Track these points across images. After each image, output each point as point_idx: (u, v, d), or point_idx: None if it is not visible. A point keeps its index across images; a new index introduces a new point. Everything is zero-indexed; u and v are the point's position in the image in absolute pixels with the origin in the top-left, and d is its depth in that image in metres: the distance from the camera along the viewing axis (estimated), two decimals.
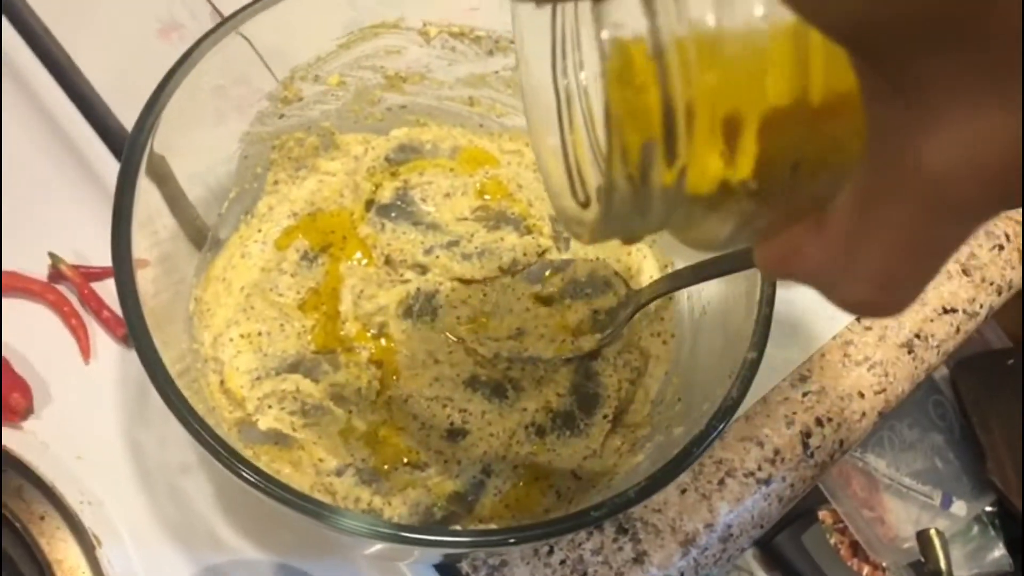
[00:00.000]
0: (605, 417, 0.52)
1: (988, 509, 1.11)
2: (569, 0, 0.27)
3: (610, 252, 0.58)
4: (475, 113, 0.61)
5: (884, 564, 1.07)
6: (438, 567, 0.53)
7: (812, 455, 0.60)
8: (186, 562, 0.52)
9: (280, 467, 0.49)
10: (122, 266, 0.42)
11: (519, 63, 0.33)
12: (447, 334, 0.54)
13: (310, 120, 0.58)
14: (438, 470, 0.50)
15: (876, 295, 0.25)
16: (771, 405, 0.61)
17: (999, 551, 1.10)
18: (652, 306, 0.54)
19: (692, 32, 0.25)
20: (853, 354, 0.64)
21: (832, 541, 1.05)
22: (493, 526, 0.49)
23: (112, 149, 0.62)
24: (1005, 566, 1.11)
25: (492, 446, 0.51)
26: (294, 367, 0.52)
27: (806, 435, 0.60)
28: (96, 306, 0.58)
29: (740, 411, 0.59)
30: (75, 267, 0.58)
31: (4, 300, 0.58)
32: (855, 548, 1.06)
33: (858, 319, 0.65)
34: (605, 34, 0.26)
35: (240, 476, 0.38)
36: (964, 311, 0.68)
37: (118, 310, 0.41)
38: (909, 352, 0.65)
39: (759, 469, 0.58)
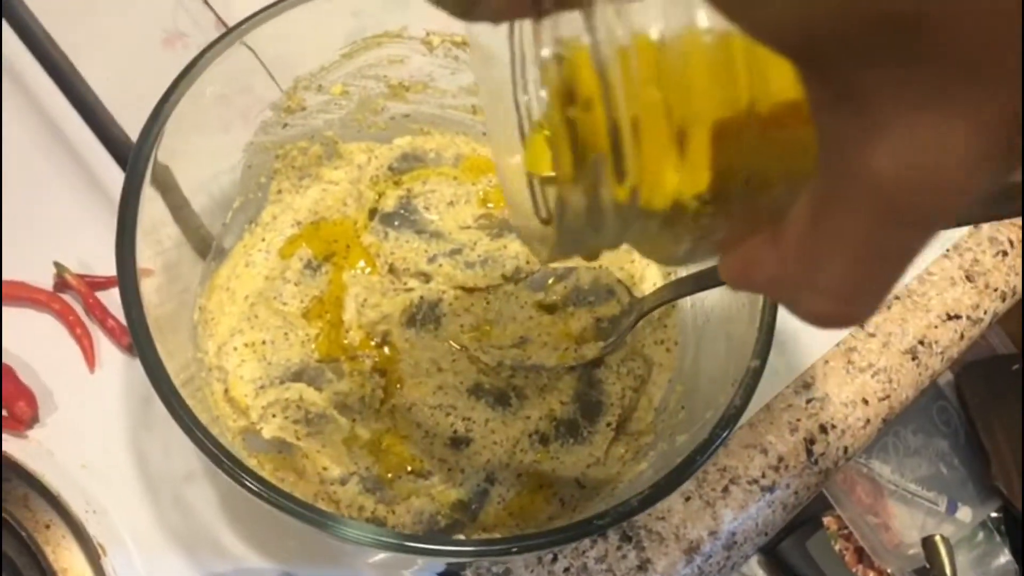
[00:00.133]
0: (608, 425, 0.52)
1: (993, 515, 1.11)
2: (525, 17, 0.27)
3: (613, 260, 0.58)
4: (478, 121, 0.61)
5: (889, 570, 1.06)
6: (442, 575, 0.53)
7: (816, 462, 0.60)
8: (190, 570, 0.52)
9: (284, 476, 0.49)
10: (126, 275, 0.42)
11: (479, 82, 0.33)
12: (450, 342, 0.54)
13: (313, 129, 0.58)
14: (442, 478, 0.50)
15: (836, 307, 0.24)
16: (775, 412, 0.61)
17: (1004, 557, 1.10)
18: (655, 314, 0.55)
19: (636, 47, 0.25)
20: (857, 361, 0.64)
21: (837, 547, 1.05)
22: (497, 534, 0.49)
23: (116, 158, 0.62)
24: (1011, 572, 1.10)
25: (496, 454, 0.51)
26: (298, 376, 0.52)
27: (810, 442, 0.60)
28: (101, 315, 0.58)
29: (744, 418, 0.59)
30: (80, 276, 0.58)
31: (10, 309, 0.58)
32: (860, 554, 1.06)
33: (861, 325, 0.65)
34: (545, 52, 0.26)
35: (243, 485, 0.38)
36: (968, 317, 0.68)
37: (123, 319, 0.42)
38: (913, 359, 0.65)
39: (763, 476, 0.58)
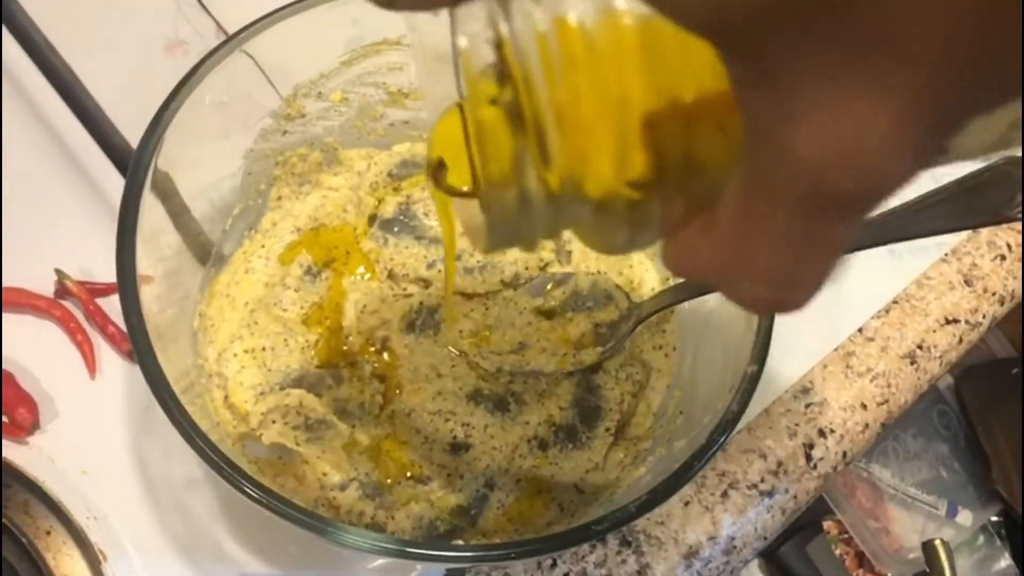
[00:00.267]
0: (607, 430, 0.52)
1: (994, 519, 1.11)
2: (446, 5, 0.26)
3: (612, 265, 0.58)
4: None
5: (889, 575, 1.06)
6: None
7: (815, 467, 0.60)
8: None
9: (284, 481, 0.49)
10: (126, 282, 0.42)
11: (418, 72, 0.32)
12: (450, 348, 0.54)
13: (313, 136, 0.58)
14: (441, 484, 0.50)
15: (771, 293, 0.24)
16: (773, 417, 0.61)
17: (1005, 561, 1.10)
18: (654, 319, 0.55)
19: (556, 32, 0.24)
20: (855, 365, 0.64)
21: (837, 552, 1.05)
22: (496, 540, 0.49)
23: (117, 166, 0.62)
24: None
25: (495, 460, 0.51)
26: (298, 382, 0.52)
27: (809, 447, 0.60)
28: (101, 322, 0.58)
29: (742, 423, 0.60)
30: (80, 283, 0.59)
31: (10, 316, 0.58)
32: (860, 559, 1.06)
33: (860, 330, 0.65)
34: (462, 41, 0.25)
35: (243, 492, 0.38)
36: (966, 321, 0.68)
37: (123, 326, 0.42)
38: (911, 363, 0.65)
39: (762, 481, 0.59)
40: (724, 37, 0.21)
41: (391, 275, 0.56)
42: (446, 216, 0.40)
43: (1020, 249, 0.72)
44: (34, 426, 0.55)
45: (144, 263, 0.44)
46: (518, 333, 0.55)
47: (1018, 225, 0.73)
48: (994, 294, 0.70)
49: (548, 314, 0.56)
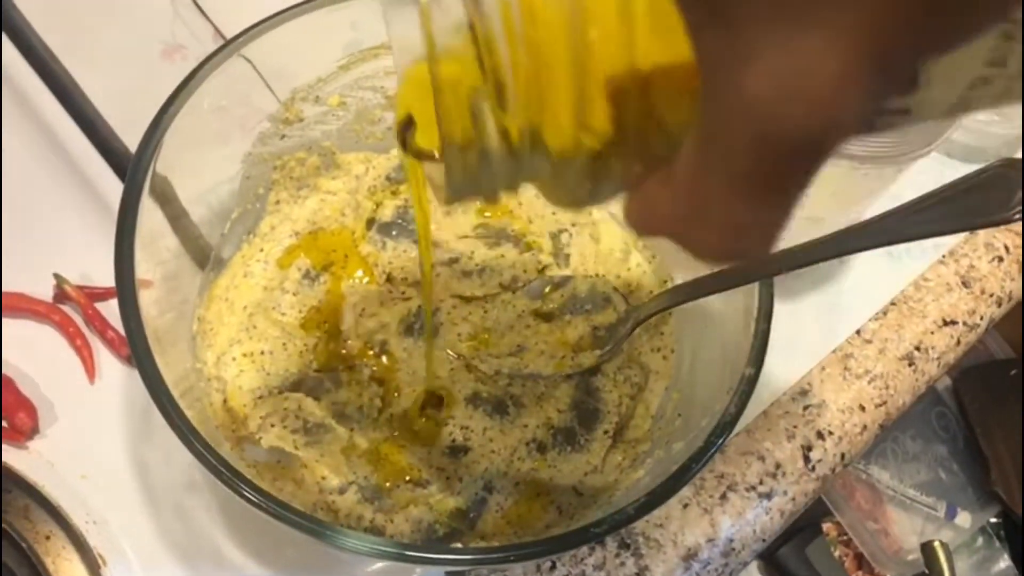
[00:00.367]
0: (606, 433, 0.52)
1: (993, 520, 1.11)
2: None
3: (610, 268, 0.58)
4: None
5: None
6: None
7: (813, 468, 0.60)
8: None
9: (283, 485, 0.49)
10: (125, 286, 0.42)
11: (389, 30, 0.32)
12: (448, 351, 0.54)
13: (311, 140, 0.59)
14: (440, 487, 0.50)
15: (726, 242, 0.24)
16: (772, 419, 0.61)
17: (1004, 562, 1.10)
18: (652, 321, 0.55)
19: None
20: (853, 367, 0.64)
21: (836, 553, 1.05)
22: (495, 542, 0.49)
23: (116, 170, 0.62)
24: None
25: (493, 463, 0.51)
26: (296, 386, 0.52)
27: (807, 449, 0.60)
28: (101, 326, 0.58)
29: (741, 425, 0.60)
30: (80, 288, 0.59)
31: (10, 321, 0.58)
32: (860, 560, 1.06)
33: (858, 332, 0.65)
34: None
35: (242, 496, 0.39)
36: (964, 323, 0.68)
37: (122, 330, 0.42)
38: (909, 364, 0.66)
39: (760, 483, 0.59)
40: None
41: (389, 278, 0.56)
42: (415, 178, 0.41)
43: (1018, 251, 0.72)
44: (33, 431, 0.55)
45: (143, 267, 0.44)
46: (516, 336, 0.55)
47: (1016, 227, 0.73)
48: (992, 295, 0.70)
49: (546, 317, 0.56)
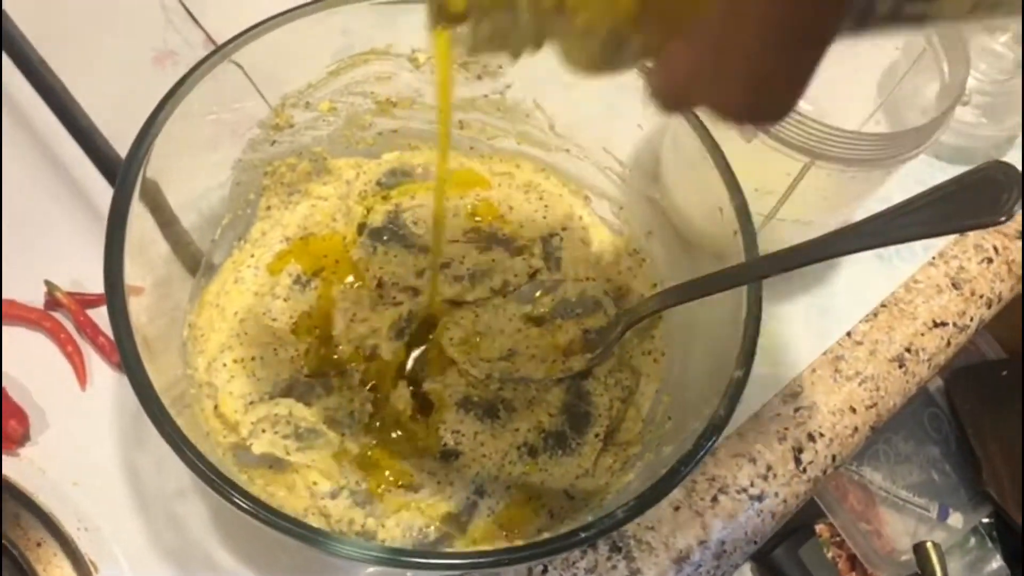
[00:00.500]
0: (596, 436, 0.53)
1: (985, 520, 1.11)
2: None
3: (600, 272, 0.58)
4: (465, 136, 0.62)
5: None
6: None
7: (804, 470, 0.60)
8: None
9: (275, 491, 0.50)
10: (114, 293, 0.42)
11: None
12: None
13: (302, 146, 0.59)
14: (431, 491, 0.50)
15: (751, 97, 0.25)
16: (763, 421, 0.61)
17: (997, 563, 1.10)
18: (643, 325, 0.55)
19: None
20: (844, 369, 0.64)
21: (829, 555, 1.05)
22: (486, 547, 0.49)
23: (108, 177, 0.62)
24: None
25: (485, 467, 0.51)
26: (287, 391, 0.52)
27: (798, 451, 0.61)
28: (92, 333, 0.58)
29: (732, 427, 0.60)
30: (71, 294, 0.59)
31: (2, 328, 0.58)
32: (853, 562, 1.06)
33: (848, 334, 0.66)
34: None
35: (232, 502, 0.39)
36: (954, 324, 0.69)
37: (114, 337, 0.42)
38: (900, 366, 0.66)
39: (752, 485, 0.59)
40: None
41: (380, 284, 0.56)
42: (442, 48, 0.41)
43: (1007, 252, 0.72)
44: (25, 438, 0.55)
45: (133, 274, 0.44)
46: (508, 340, 0.55)
47: (1005, 228, 0.74)
48: (981, 297, 0.70)
49: (537, 321, 0.56)
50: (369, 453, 0.51)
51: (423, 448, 0.52)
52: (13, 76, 0.65)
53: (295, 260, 0.56)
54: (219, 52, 0.50)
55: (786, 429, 0.61)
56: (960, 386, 1.11)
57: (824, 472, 0.62)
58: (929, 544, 0.97)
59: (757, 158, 0.51)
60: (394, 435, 0.52)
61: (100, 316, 0.59)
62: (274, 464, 0.50)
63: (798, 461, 0.60)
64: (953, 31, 0.54)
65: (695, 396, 0.49)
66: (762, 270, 0.46)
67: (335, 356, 0.54)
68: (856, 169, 0.51)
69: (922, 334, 0.67)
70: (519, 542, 0.49)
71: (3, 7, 0.62)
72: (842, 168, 0.51)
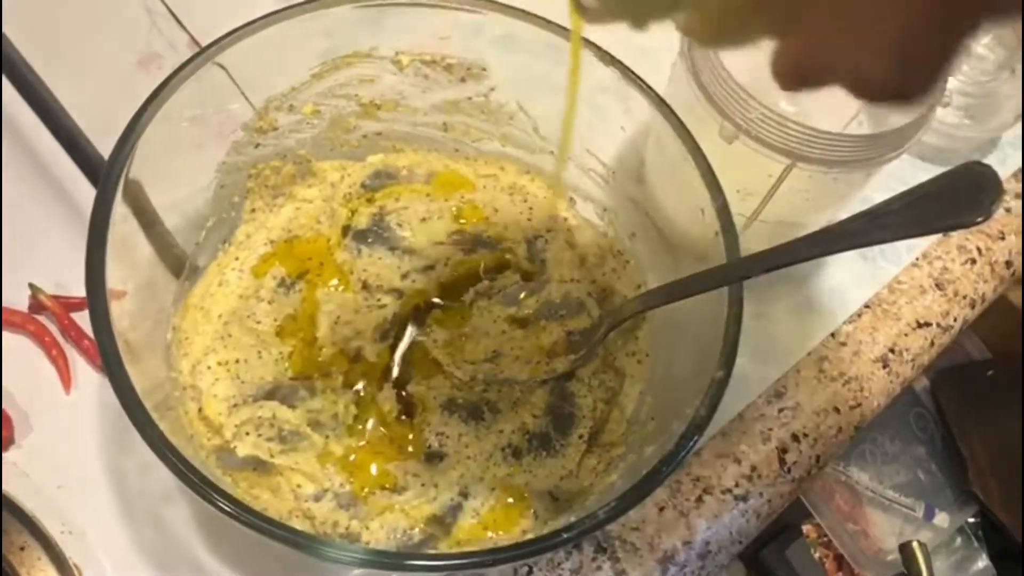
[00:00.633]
0: (580, 437, 0.53)
1: (971, 520, 1.11)
2: None
3: (584, 274, 0.58)
4: (450, 138, 0.62)
5: None
6: None
7: (789, 471, 0.61)
8: None
9: (259, 493, 0.49)
10: (96, 294, 0.42)
11: None
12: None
13: (286, 148, 0.59)
14: (416, 493, 0.50)
15: (896, 73, 0.24)
16: (747, 422, 0.61)
17: (983, 562, 1.11)
18: (627, 326, 0.55)
19: None
20: (828, 370, 0.65)
21: (816, 555, 1.05)
22: (471, 548, 0.49)
23: (92, 181, 0.62)
24: None
25: (469, 468, 0.51)
26: (271, 394, 0.52)
27: (782, 451, 0.61)
28: (76, 336, 0.58)
29: (716, 428, 0.60)
30: (55, 297, 0.59)
31: None
32: (840, 562, 1.06)
33: (833, 335, 0.66)
34: None
35: (215, 505, 0.39)
36: (938, 325, 0.69)
37: None
38: (884, 367, 0.66)
39: (736, 486, 0.59)
40: None
41: (365, 286, 0.56)
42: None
43: (990, 253, 0.73)
44: (9, 441, 0.54)
45: (117, 276, 0.44)
46: (492, 342, 0.55)
47: (988, 229, 0.74)
48: (965, 297, 0.71)
49: (522, 323, 0.56)
50: (353, 455, 0.51)
51: (407, 450, 0.52)
52: None
53: (279, 263, 0.56)
54: (203, 54, 0.50)
55: (770, 429, 0.61)
56: (946, 386, 1.12)
57: (808, 472, 0.62)
58: (915, 544, 0.97)
59: (739, 160, 0.51)
60: (378, 437, 0.52)
61: (84, 319, 0.59)
62: (258, 467, 0.50)
63: (782, 461, 0.61)
64: None
65: (678, 397, 0.49)
66: (744, 271, 0.46)
67: (319, 358, 0.54)
68: (838, 170, 0.51)
69: (906, 335, 0.68)
70: (503, 543, 0.49)
71: None
72: (824, 169, 0.51)
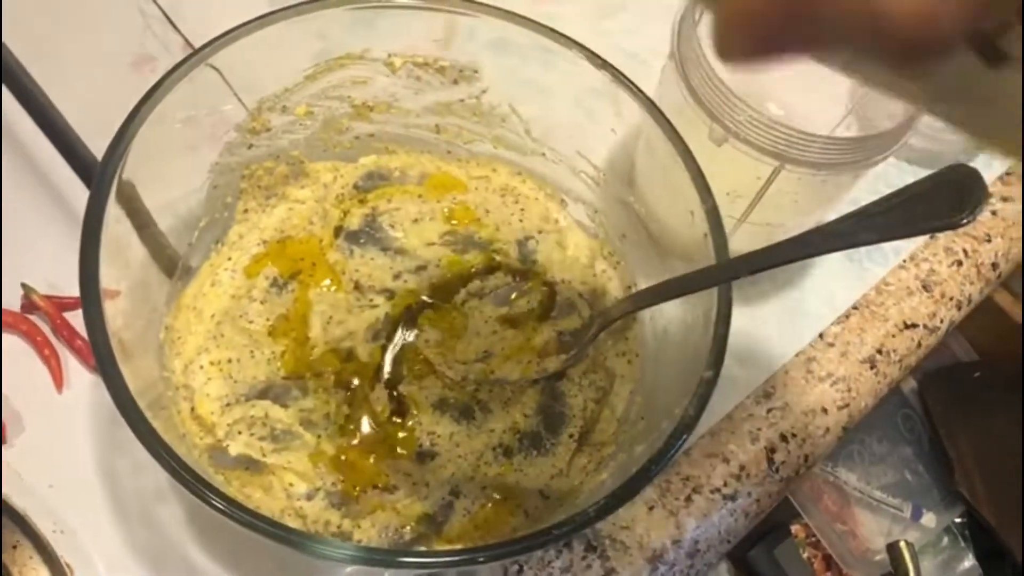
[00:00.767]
0: (571, 436, 0.53)
1: (957, 520, 1.12)
2: None
3: (575, 274, 0.59)
4: (442, 140, 0.62)
5: None
6: None
7: (777, 470, 0.61)
8: None
9: (251, 492, 0.50)
10: (89, 294, 0.42)
11: None
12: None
13: (279, 149, 0.59)
14: (407, 492, 0.51)
15: (924, 15, 0.22)
16: (736, 422, 0.62)
17: (969, 562, 1.12)
18: (617, 326, 0.56)
19: None
20: (816, 370, 0.65)
21: (805, 555, 1.06)
22: (461, 546, 0.50)
23: (85, 181, 0.62)
24: None
25: (460, 467, 0.52)
26: (263, 393, 0.52)
27: (771, 451, 0.61)
28: (69, 336, 0.58)
29: (705, 428, 0.61)
30: (47, 297, 0.59)
31: None
32: (828, 561, 1.07)
33: (820, 336, 0.67)
34: None
35: (208, 503, 0.39)
36: (925, 326, 0.70)
37: None
38: (871, 367, 0.67)
39: (725, 485, 0.60)
40: None
41: (357, 286, 0.57)
42: None
43: (976, 255, 0.74)
44: (1, 441, 0.55)
45: (109, 277, 0.44)
46: (483, 342, 0.56)
47: (973, 231, 0.75)
48: (952, 299, 0.71)
49: (513, 323, 0.57)
50: (345, 455, 0.51)
51: (399, 449, 0.52)
52: None
53: (272, 263, 0.57)
54: (196, 56, 0.50)
55: (759, 429, 0.62)
56: (933, 388, 1.13)
57: (797, 472, 0.63)
58: (903, 544, 0.98)
59: (728, 162, 0.52)
60: (370, 437, 0.52)
61: (77, 319, 0.59)
62: (250, 466, 0.50)
63: (771, 461, 0.61)
64: None
65: (667, 396, 0.50)
66: (733, 271, 0.47)
67: (312, 358, 0.54)
68: (826, 173, 0.52)
69: (893, 336, 0.68)
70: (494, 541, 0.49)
71: None
72: (812, 172, 0.52)
